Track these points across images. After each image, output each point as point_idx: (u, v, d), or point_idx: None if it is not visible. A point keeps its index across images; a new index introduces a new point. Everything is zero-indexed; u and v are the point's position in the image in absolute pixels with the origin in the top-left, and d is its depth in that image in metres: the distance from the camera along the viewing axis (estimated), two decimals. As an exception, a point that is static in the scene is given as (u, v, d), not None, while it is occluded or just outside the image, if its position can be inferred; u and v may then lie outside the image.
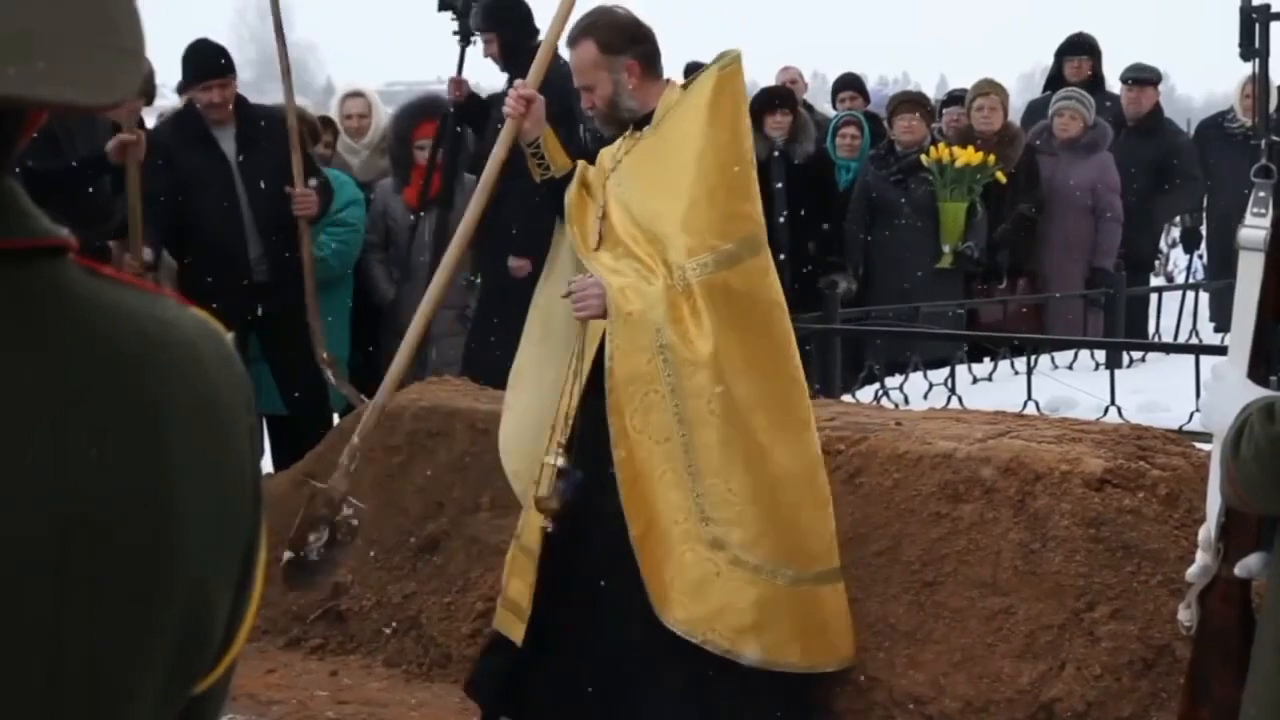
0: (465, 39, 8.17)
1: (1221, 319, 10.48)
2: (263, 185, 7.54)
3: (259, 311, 7.51)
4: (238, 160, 7.58)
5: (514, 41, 8.00)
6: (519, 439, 5.36)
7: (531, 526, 5.17)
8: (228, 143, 7.61)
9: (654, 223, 5.10)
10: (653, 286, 4.99)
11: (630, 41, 5.21)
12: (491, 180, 5.31)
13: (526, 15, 8.19)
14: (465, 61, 8.35)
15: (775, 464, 5.08)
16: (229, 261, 7.47)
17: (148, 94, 8.62)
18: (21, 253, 1.09)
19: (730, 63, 5.15)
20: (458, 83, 8.36)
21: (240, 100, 7.74)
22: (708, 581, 4.98)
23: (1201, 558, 3.45)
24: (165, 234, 7.50)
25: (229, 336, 1.24)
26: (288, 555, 5.17)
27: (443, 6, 8.19)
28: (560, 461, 5.00)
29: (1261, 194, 3.47)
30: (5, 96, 1.01)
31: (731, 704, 5.06)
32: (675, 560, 4.99)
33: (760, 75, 11.90)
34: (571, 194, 5.27)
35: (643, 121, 5.19)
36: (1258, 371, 3.36)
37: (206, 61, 7.64)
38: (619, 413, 4.98)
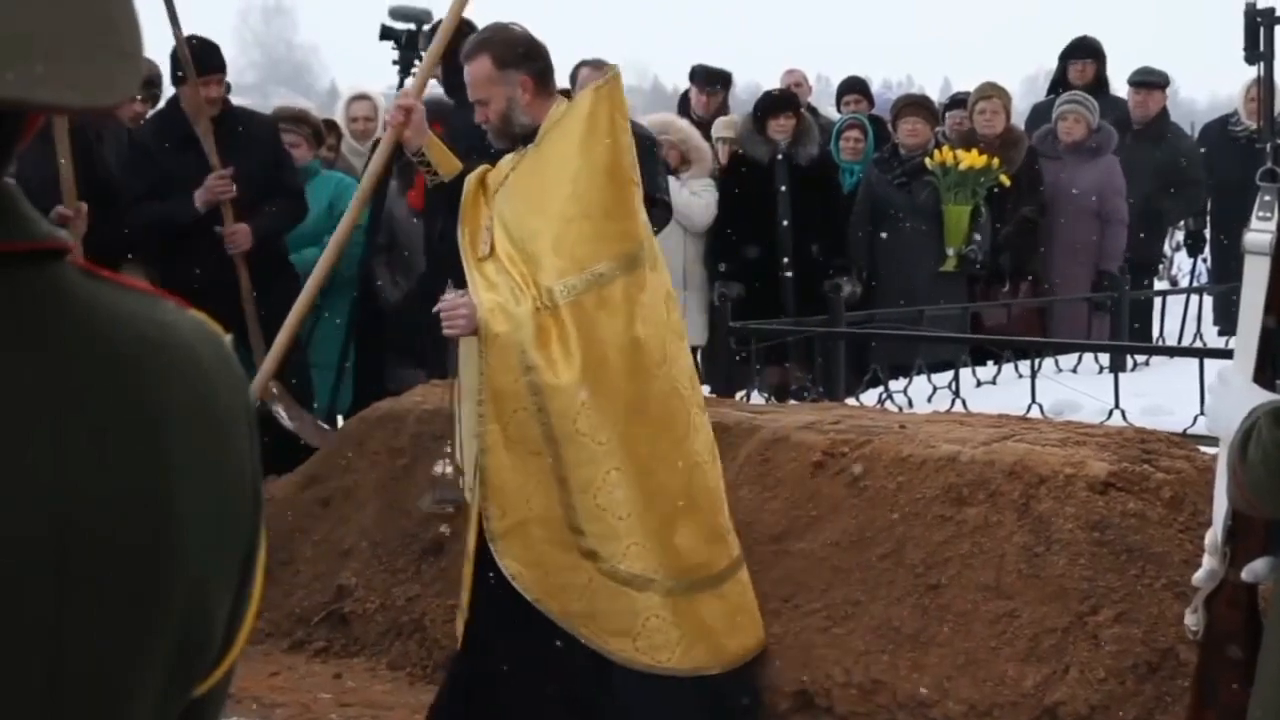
0: (405, 69, 8.26)
1: (1225, 322, 10.48)
2: (244, 189, 7.54)
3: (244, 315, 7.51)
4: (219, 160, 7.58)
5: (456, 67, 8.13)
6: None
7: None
8: (209, 145, 7.59)
9: (529, 242, 5.19)
10: (521, 308, 5.09)
11: (524, 58, 5.32)
12: (369, 190, 5.41)
13: None
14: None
15: (651, 478, 5.20)
16: (212, 265, 7.44)
17: (153, 96, 8.63)
18: (20, 255, 1.09)
19: (607, 80, 5.29)
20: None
21: (224, 103, 7.77)
22: (580, 586, 5.14)
23: (1208, 562, 3.44)
24: (146, 234, 7.52)
25: (228, 339, 1.25)
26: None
27: (384, 36, 8.28)
28: (444, 470, 5.19)
29: (1267, 198, 3.47)
30: (5, 100, 1.01)
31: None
32: (549, 558, 5.14)
33: (765, 78, 11.91)
34: (468, 194, 5.34)
35: (532, 137, 5.29)
36: (1264, 375, 3.35)
37: (208, 56, 7.63)
38: (494, 422, 5.11)
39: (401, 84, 8.45)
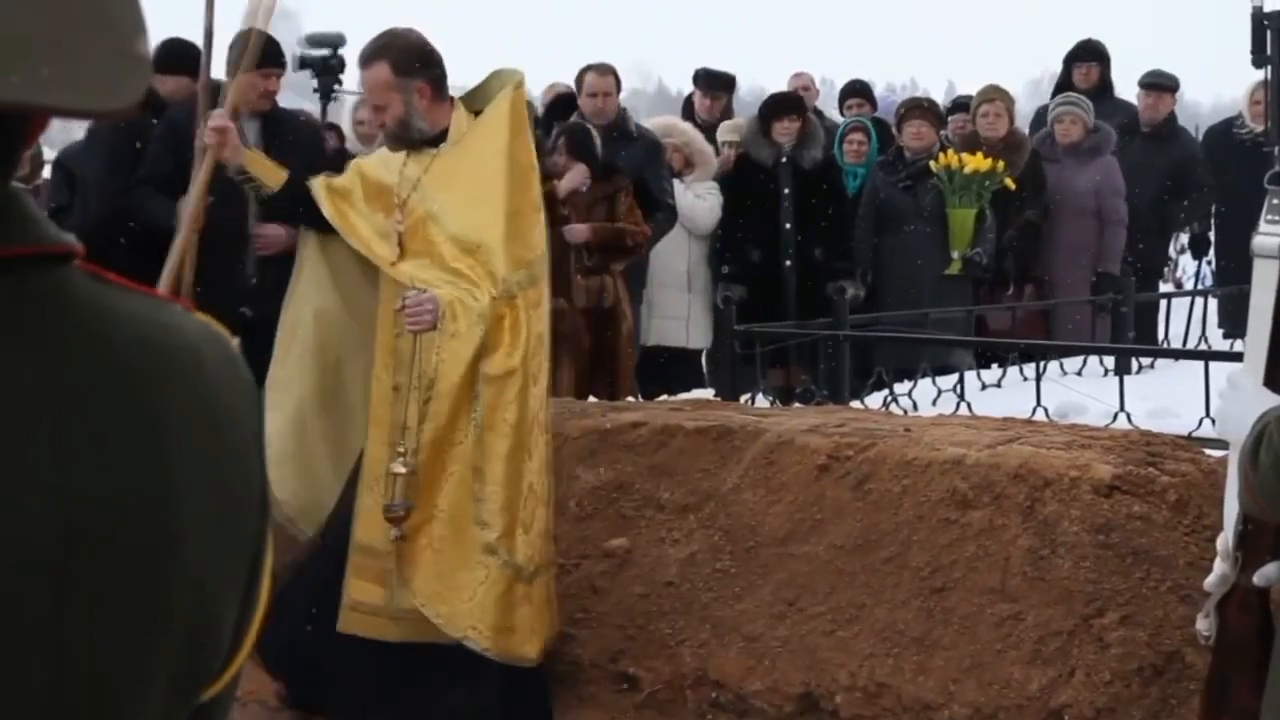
0: (326, 95, 8.31)
1: (1230, 325, 10.47)
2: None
3: (248, 314, 7.44)
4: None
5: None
6: (280, 463, 5.47)
7: (371, 528, 5.40)
8: (253, 136, 7.54)
9: (477, 233, 5.34)
10: (479, 302, 5.26)
11: (422, 65, 5.44)
12: (197, 210, 5.42)
13: None
14: (328, 114, 8.62)
15: (533, 471, 5.41)
16: (226, 260, 7.37)
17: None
18: (24, 259, 1.09)
19: (520, 84, 5.51)
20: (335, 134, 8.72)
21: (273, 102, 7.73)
22: (476, 583, 5.32)
23: (1219, 566, 3.44)
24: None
25: (235, 341, 1.24)
26: None
27: (301, 65, 8.33)
28: (404, 469, 5.24)
29: (1275, 201, 3.46)
30: (11, 103, 1.00)
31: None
32: (446, 557, 5.31)
33: (769, 81, 11.92)
34: (330, 209, 5.46)
35: (432, 142, 5.42)
36: (1274, 379, 3.34)
37: (180, 57, 7.55)
38: (435, 419, 5.27)
39: (324, 110, 8.51)
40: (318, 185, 5.47)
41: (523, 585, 5.39)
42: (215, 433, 1.18)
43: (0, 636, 1.04)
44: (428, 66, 5.43)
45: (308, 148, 7.68)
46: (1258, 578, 3.35)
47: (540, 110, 9.63)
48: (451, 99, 5.52)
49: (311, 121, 8.20)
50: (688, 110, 11.21)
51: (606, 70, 9.19)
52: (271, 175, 5.51)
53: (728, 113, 10.95)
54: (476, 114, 5.49)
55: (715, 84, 11.08)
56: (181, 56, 7.42)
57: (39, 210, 1.13)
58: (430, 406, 5.26)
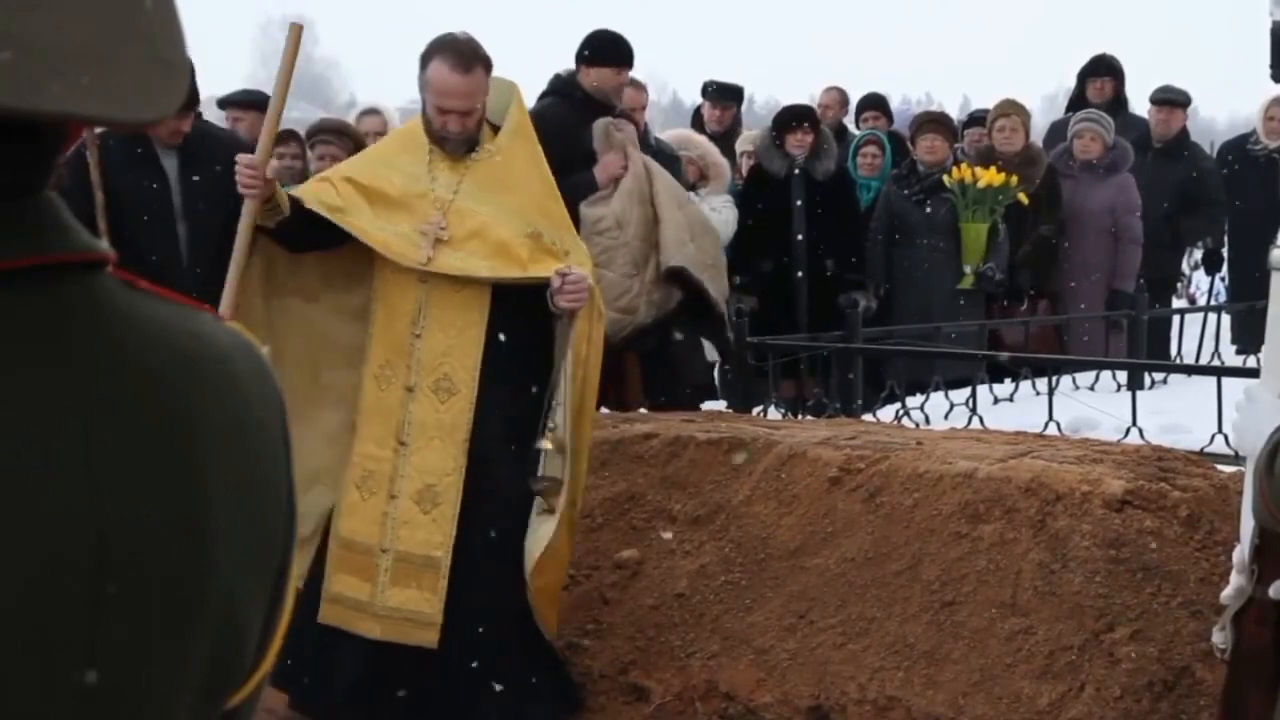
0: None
1: (1243, 341, 10.45)
2: (202, 208, 7.45)
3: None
4: (178, 174, 7.51)
5: None
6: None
7: (357, 523, 5.44)
8: (170, 160, 7.49)
9: (553, 232, 5.50)
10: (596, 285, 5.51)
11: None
12: (245, 252, 5.32)
13: None
14: None
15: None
16: (159, 274, 7.32)
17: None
18: (57, 268, 1.09)
19: (520, 95, 5.66)
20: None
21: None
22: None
23: (1235, 579, 3.43)
24: None
25: (265, 350, 1.24)
26: None
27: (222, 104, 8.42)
28: (544, 446, 5.36)
29: (1292, 216, 3.46)
30: (51, 112, 1.01)
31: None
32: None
33: (784, 95, 11.95)
34: (340, 220, 5.45)
35: (471, 143, 5.48)
36: (1291, 392, 3.34)
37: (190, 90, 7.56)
38: (588, 397, 5.47)
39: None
40: (312, 201, 5.46)
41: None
42: (246, 443, 1.18)
43: (32, 650, 1.05)
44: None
45: (228, 161, 7.73)
46: (1274, 590, 3.34)
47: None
48: None
49: (236, 139, 8.21)
50: (696, 121, 11.23)
51: (640, 86, 9.19)
52: (284, 197, 5.48)
53: (736, 123, 10.97)
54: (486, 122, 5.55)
55: (724, 95, 11.12)
56: None
57: (73, 218, 1.13)
58: (585, 385, 5.41)
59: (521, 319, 5.45)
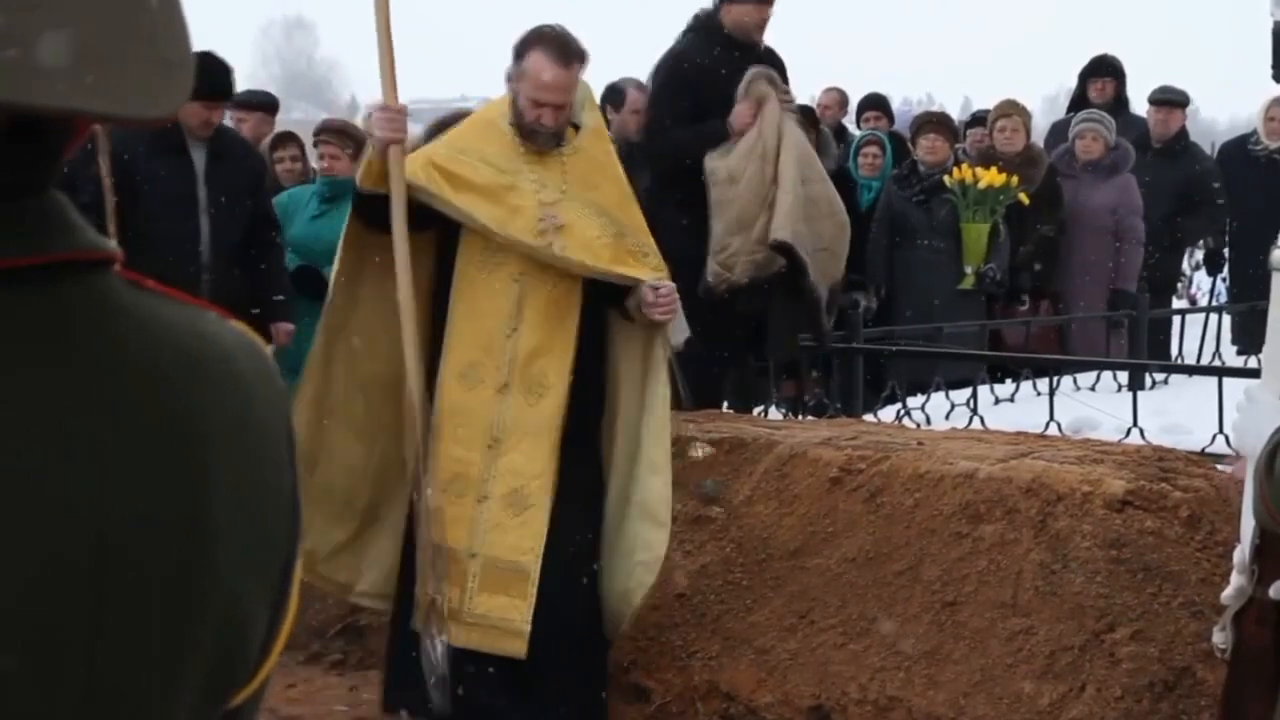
0: None
1: (1243, 342, 10.45)
2: (224, 201, 7.57)
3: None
4: (205, 171, 7.59)
5: None
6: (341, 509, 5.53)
7: (509, 544, 5.31)
8: (198, 153, 7.60)
9: (638, 235, 5.41)
10: None
11: None
12: (404, 213, 5.08)
13: None
14: None
15: None
16: (177, 270, 7.40)
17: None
18: (60, 266, 1.10)
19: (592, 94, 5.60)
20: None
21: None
22: None
23: (1236, 580, 3.43)
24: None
25: (269, 350, 1.24)
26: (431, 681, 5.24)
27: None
28: (701, 453, 5.44)
29: (1294, 216, 3.47)
30: (57, 108, 1.01)
31: None
32: None
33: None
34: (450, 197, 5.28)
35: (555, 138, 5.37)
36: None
37: (213, 80, 7.62)
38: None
39: None
40: (425, 176, 5.21)
41: None
42: (249, 443, 1.18)
43: (33, 649, 1.05)
44: None
45: (251, 166, 7.83)
46: (1274, 591, 3.34)
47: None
48: None
49: (248, 142, 8.32)
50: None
51: (644, 87, 9.18)
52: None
53: None
54: None
55: None
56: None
57: (80, 217, 1.13)
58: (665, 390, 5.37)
59: (599, 319, 5.40)
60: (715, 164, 7.14)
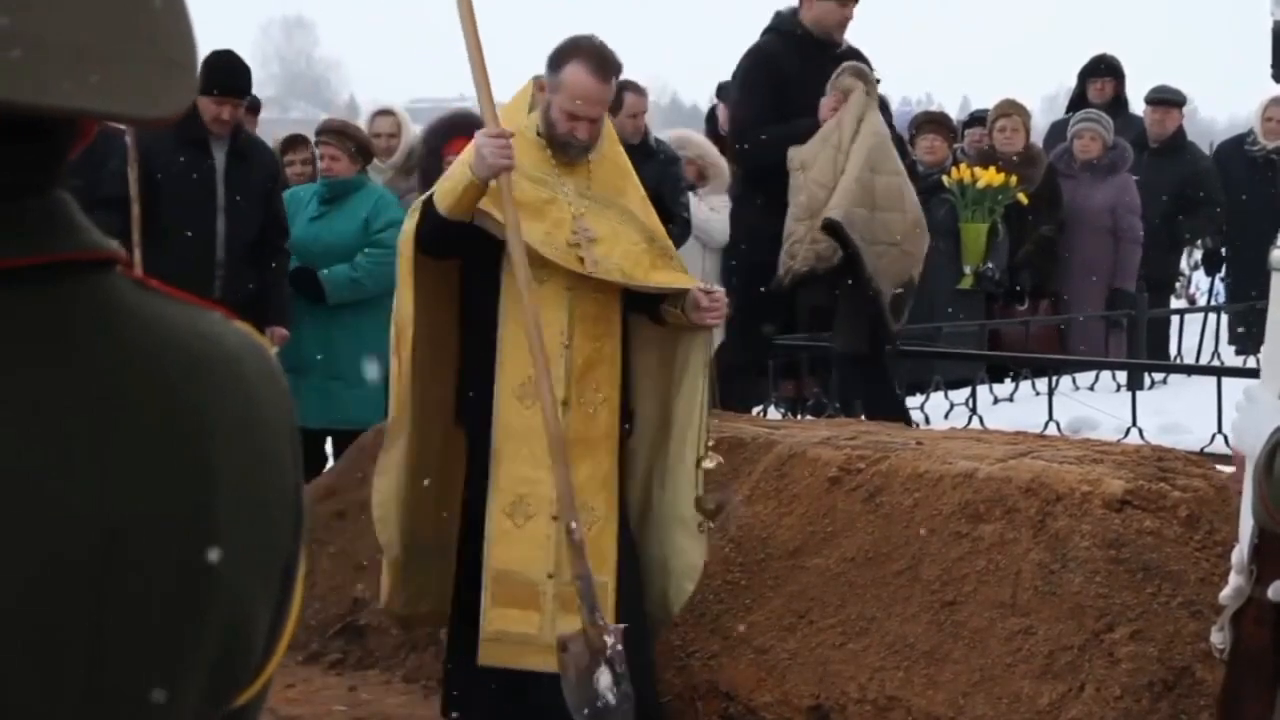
0: None
1: (1240, 341, 10.46)
2: (240, 200, 7.61)
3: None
4: (225, 170, 7.62)
5: None
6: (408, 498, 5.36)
7: (515, 553, 5.17)
8: (220, 152, 7.65)
9: (660, 239, 5.33)
10: None
11: None
12: (519, 236, 4.94)
13: None
14: None
15: None
16: (193, 266, 7.42)
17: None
18: (62, 267, 1.10)
19: None
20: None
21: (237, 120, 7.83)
22: None
23: (1234, 580, 3.43)
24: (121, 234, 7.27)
25: (273, 351, 1.24)
26: (585, 713, 4.88)
27: None
28: (711, 465, 5.27)
29: (1295, 216, 3.47)
30: (61, 108, 1.01)
31: None
32: None
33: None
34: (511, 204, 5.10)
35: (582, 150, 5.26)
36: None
37: (232, 76, 7.66)
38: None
39: None
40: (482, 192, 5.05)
41: None
42: (252, 443, 1.18)
43: (34, 649, 1.05)
44: None
45: (268, 168, 7.92)
46: (1272, 591, 3.34)
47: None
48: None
49: (265, 144, 8.37)
50: (711, 122, 11.23)
51: (642, 90, 9.18)
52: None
53: None
54: None
55: None
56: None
57: (84, 217, 1.13)
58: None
59: (626, 326, 5.32)
60: (793, 152, 7.06)
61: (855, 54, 7.53)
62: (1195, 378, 8.35)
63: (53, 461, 1.05)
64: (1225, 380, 6.76)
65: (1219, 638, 3.50)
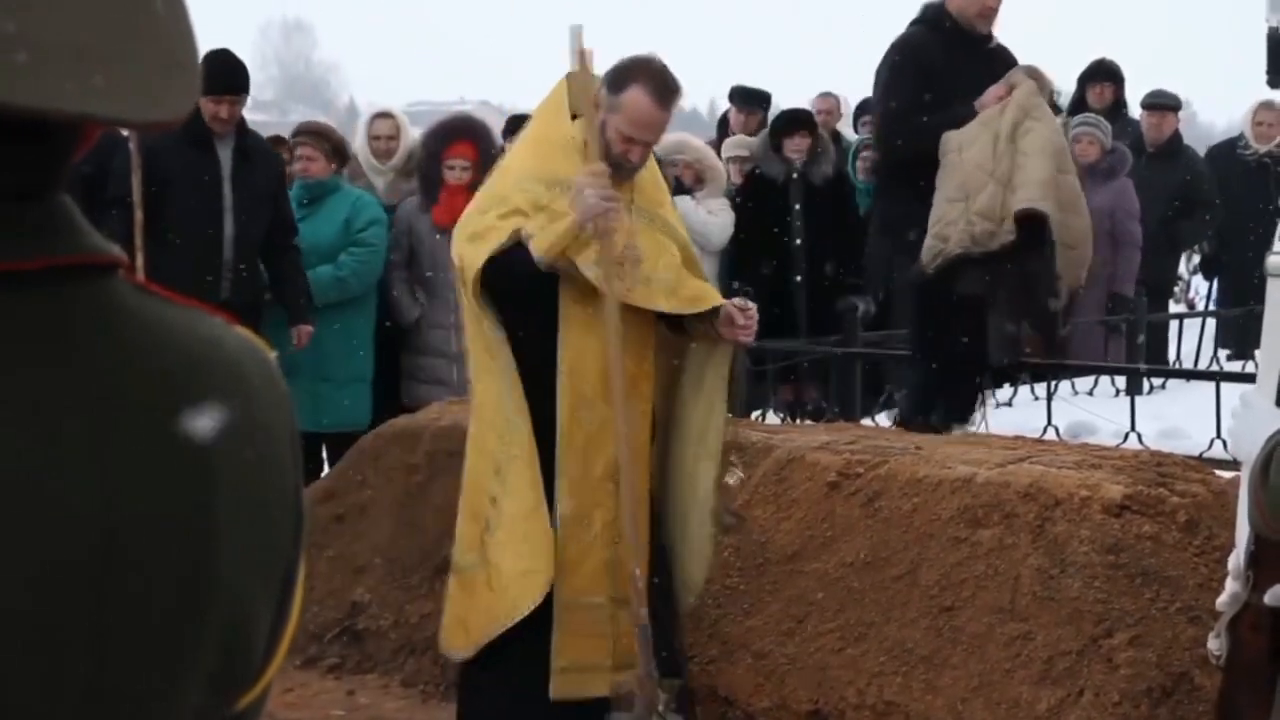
0: None
1: (1235, 346, 10.46)
2: (247, 200, 7.63)
3: None
4: (231, 171, 7.63)
5: None
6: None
7: (586, 581, 5.03)
8: (225, 152, 7.66)
9: (689, 242, 5.32)
10: None
11: None
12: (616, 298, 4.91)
13: None
14: None
15: None
16: (200, 267, 7.42)
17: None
18: (63, 269, 1.10)
19: None
20: None
21: (240, 120, 7.82)
22: None
23: (1231, 586, 3.43)
24: (127, 237, 7.12)
25: (274, 355, 1.24)
26: None
27: None
28: (737, 479, 5.26)
29: (1290, 221, 3.47)
30: (65, 111, 1.01)
31: None
32: None
33: (782, 99, 11.93)
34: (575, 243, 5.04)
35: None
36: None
37: (227, 75, 7.65)
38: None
39: None
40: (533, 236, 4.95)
41: None
42: (253, 448, 1.18)
43: (35, 650, 1.05)
44: None
45: (273, 167, 7.96)
46: (1269, 597, 3.34)
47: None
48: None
49: (270, 144, 8.36)
50: (723, 127, 11.26)
51: None
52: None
53: (762, 128, 10.99)
54: None
55: (750, 100, 11.18)
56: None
57: (85, 221, 1.13)
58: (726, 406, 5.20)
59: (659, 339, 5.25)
60: (949, 135, 6.78)
61: (1003, 50, 7.41)
62: (1194, 382, 8.35)
63: (53, 462, 1.06)
64: (1224, 385, 6.76)
65: (1216, 644, 3.50)
